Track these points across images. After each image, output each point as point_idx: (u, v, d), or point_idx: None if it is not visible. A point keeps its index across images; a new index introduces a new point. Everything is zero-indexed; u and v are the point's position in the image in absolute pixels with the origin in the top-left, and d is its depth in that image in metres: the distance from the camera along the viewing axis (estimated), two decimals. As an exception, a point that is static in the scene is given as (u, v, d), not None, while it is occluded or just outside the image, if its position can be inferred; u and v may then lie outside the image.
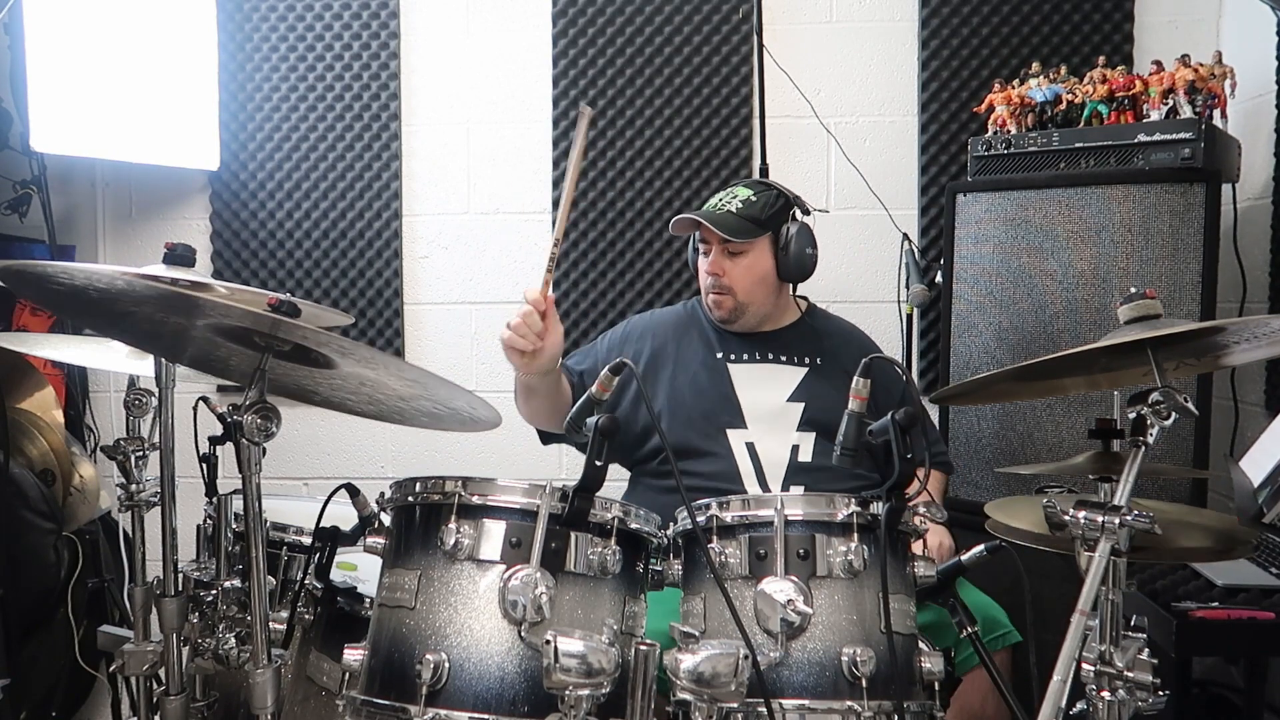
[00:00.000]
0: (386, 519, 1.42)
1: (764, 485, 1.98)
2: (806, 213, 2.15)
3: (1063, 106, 2.26)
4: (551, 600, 1.25)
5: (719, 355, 2.11)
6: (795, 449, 2.01)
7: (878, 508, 1.35)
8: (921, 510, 1.40)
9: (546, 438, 2.17)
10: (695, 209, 2.16)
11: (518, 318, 1.81)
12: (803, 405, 2.04)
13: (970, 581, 1.82)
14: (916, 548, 1.44)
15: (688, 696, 1.21)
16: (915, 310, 2.55)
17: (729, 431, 2.02)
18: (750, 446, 2.01)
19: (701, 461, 2.00)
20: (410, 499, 1.37)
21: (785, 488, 1.98)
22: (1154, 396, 1.16)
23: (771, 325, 2.15)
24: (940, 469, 2.18)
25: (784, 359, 2.11)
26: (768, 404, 2.04)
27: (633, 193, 2.83)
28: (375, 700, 1.27)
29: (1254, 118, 2.42)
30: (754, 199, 2.07)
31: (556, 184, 2.85)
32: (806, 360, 2.10)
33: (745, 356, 2.10)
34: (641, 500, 1.67)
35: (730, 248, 2.05)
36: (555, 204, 2.86)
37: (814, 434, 2.01)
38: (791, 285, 2.18)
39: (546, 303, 1.82)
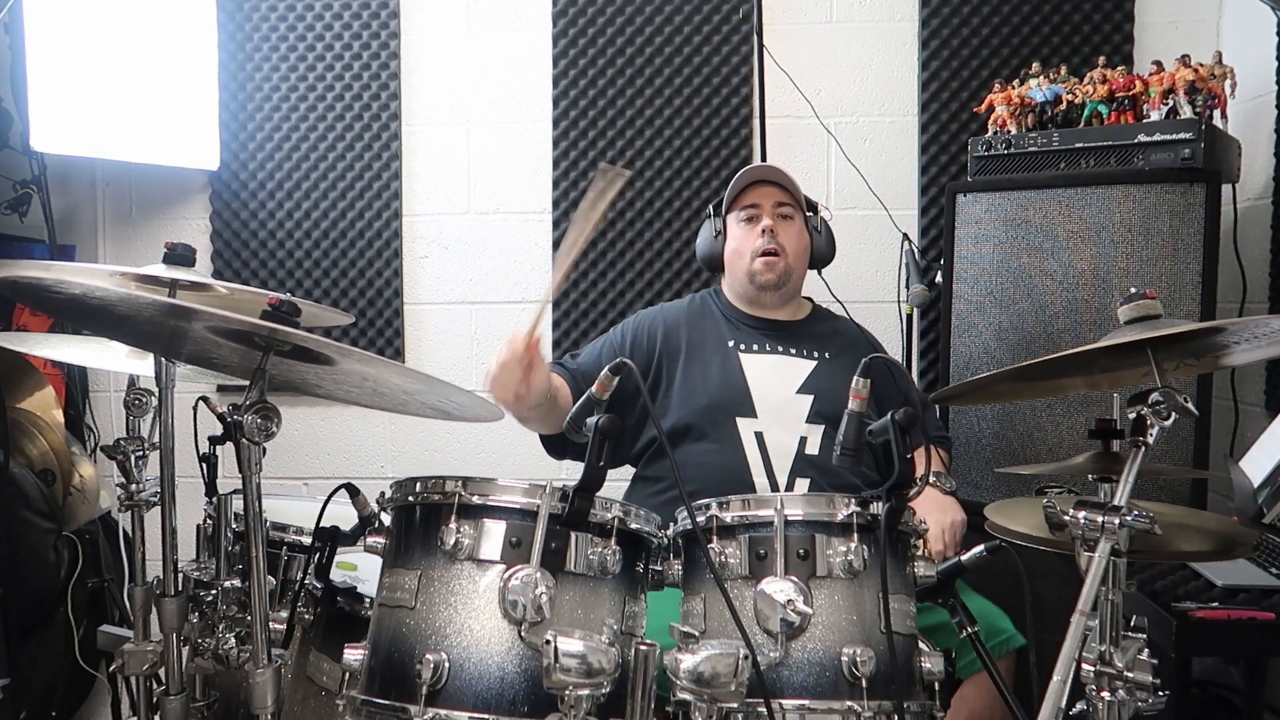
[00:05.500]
0: (386, 519, 1.41)
1: (771, 476, 1.98)
2: (816, 212, 2.26)
3: (1063, 107, 2.26)
4: (551, 600, 1.25)
5: (731, 344, 2.13)
6: (803, 441, 2.01)
7: (878, 508, 1.35)
8: (931, 479, 1.39)
9: (556, 452, 2.15)
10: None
11: (497, 366, 1.78)
12: (812, 397, 2.05)
13: (971, 583, 1.82)
14: (931, 526, 1.41)
15: (688, 696, 1.21)
16: (915, 310, 2.55)
17: (739, 420, 2.02)
18: (759, 436, 2.01)
19: (710, 447, 2.01)
20: (410, 499, 1.36)
21: (791, 479, 1.98)
22: (1154, 396, 1.16)
23: (787, 316, 2.19)
24: (938, 444, 2.17)
25: (794, 351, 2.13)
26: (778, 394, 2.05)
27: (633, 192, 2.83)
28: (375, 700, 1.27)
29: (1254, 118, 2.42)
30: (787, 185, 2.18)
31: (557, 184, 2.86)
32: (816, 354, 2.13)
33: (756, 347, 2.12)
34: (642, 502, 1.66)
35: (782, 211, 2.14)
36: (554, 204, 2.86)
37: (823, 426, 2.02)
38: (819, 270, 2.29)
39: (530, 351, 1.77)
